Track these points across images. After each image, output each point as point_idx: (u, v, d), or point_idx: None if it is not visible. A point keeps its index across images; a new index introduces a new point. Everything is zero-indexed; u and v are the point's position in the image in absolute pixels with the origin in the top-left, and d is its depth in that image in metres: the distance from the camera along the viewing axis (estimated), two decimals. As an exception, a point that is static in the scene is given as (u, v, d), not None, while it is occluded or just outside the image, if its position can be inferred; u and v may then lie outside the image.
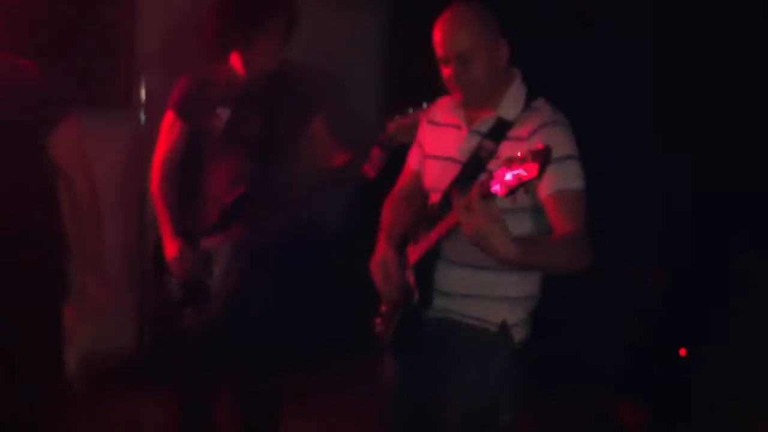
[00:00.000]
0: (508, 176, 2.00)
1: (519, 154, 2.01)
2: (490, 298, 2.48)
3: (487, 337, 2.47)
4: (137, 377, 4.31)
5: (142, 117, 4.51)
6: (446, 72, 2.43)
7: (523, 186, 1.99)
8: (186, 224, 3.21)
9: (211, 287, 3.17)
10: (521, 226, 2.36)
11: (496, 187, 2.03)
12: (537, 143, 2.02)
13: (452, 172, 2.48)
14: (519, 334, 2.51)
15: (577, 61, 3.86)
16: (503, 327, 2.47)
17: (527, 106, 2.43)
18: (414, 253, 2.56)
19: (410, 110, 2.82)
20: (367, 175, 2.96)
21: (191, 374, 3.30)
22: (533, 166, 1.96)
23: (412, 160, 2.74)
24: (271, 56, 3.10)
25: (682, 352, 3.82)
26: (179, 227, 3.19)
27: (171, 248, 3.17)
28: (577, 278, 2.30)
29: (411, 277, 2.55)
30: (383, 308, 2.69)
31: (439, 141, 2.58)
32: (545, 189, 2.30)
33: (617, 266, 3.78)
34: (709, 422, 3.54)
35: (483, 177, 2.14)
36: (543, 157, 1.96)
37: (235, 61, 3.16)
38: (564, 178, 2.29)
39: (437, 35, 2.42)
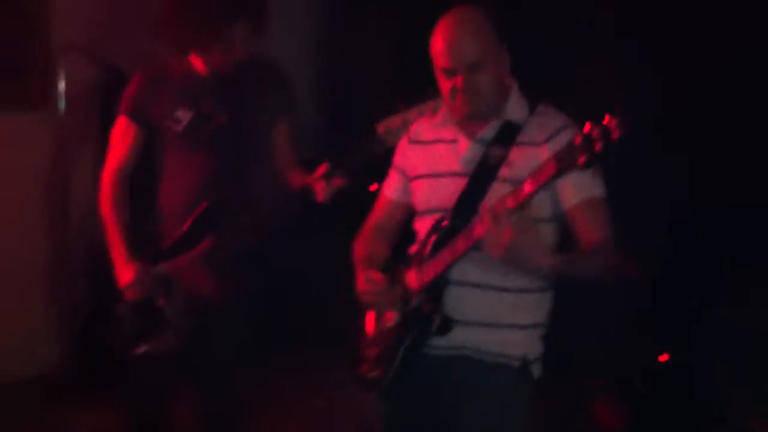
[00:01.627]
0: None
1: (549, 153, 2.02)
2: (507, 326, 2.32)
3: (508, 375, 2.30)
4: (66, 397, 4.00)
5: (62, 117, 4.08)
6: (449, 83, 2.30)
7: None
8: (142, 243, 2.87)
9: (170, 316, 2.83)
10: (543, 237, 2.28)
11: (523, 195, 2.02)
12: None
13: (456, 187, 2.33)
14: (537, 371, 2.36)
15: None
16: (524, 362, 2.32)
17: (532, 111, 2.36)
18: (420, 278, 2.34)
19: (401, 109, 2.56)
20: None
21: (144, 399, 3.00)
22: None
23: (390, 190, 2.57)
24: (235, 53, 2.82)
25: (663, 357, 3.69)
26: (134, 248, 2.84)
27: (126, 272, 2.81)
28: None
29: (424, 304, 2.31)
30: (370, 351, 2.44)
31: (430, 159, 2.44)
32: (570, 198, 2.25)
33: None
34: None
35: (509, 189, 2.09)
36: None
37: (194, 57, 2.88)
38: (590, 186, 2.24)
39: (440, 44, 2.29)
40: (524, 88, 2.40)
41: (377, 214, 2.60)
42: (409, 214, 2.52)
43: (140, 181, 2.91)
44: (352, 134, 2.73)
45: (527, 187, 2.03)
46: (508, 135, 2.31)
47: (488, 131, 2.34)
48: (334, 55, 4.62)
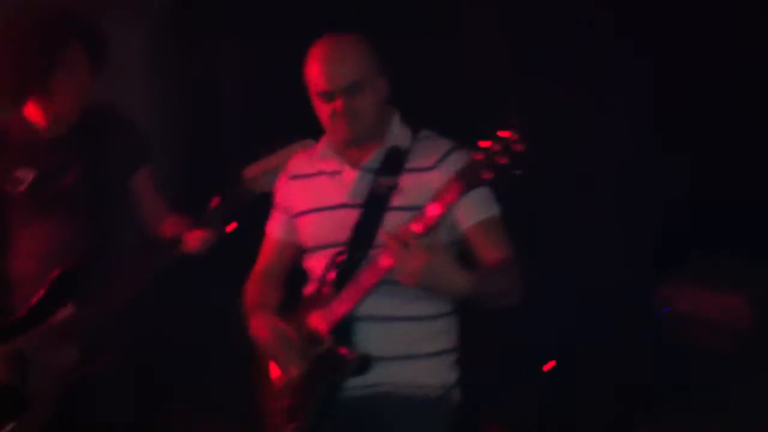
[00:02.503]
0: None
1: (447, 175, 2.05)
2: (421, 356, 2.28)
3: (428, 406, 2.26)
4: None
5: None
6: (328, 108, 2.26)
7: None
8: None
9: (30, 395, 2.59)
10: None
11: (431, 219, 2.03)
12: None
13: (347, 219, 2.28)
14: (456, 397, 2.34)
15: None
16: (443, 390, 2.29)
17: (415, 136, 2.35)
18: (327, 319, 2.23)
19: (270, 152, 2.48)
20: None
21: None
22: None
23: (275, 230, 2.49)
24: (74, 96, 2.65)
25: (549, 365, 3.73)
26: None
27: None
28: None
29: (337, 345, 2.22)
30: (280, 403, 2.31)
31: (314, 193, 2.37)
32: (467, 220, 2.24)
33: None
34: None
35: (405, 217, 2.11)
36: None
37: (32, 110, 2.70)
38: (484, 207, 2.25)
39: (318, 68, 2.25)
40: (404, 117, 2.38)
41: (265, 258, 2.50)
42: (298, 253, 2.44)
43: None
44: (221, 182, 2.60)
45: (434, 210, 2.03)
46: (395, 162, 2.28)
47: (374, 159, 2.30)
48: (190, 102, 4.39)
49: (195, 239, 2.55)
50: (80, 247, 2.63)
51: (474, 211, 2.21)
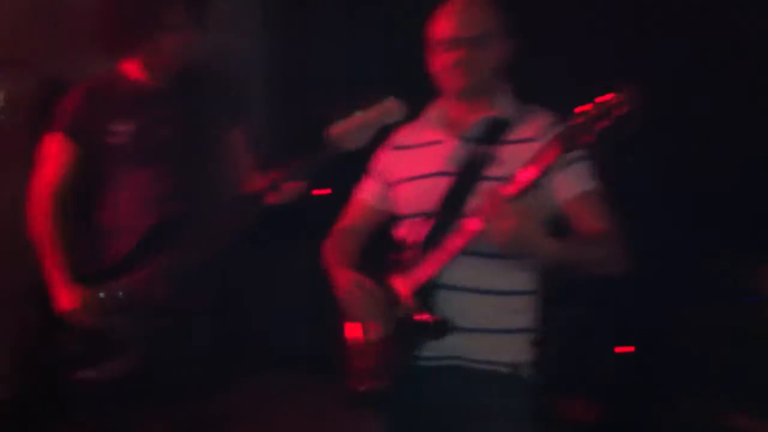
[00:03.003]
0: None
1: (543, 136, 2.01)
2: (499, 331, 2.25)
3: (499, 384, 2.24)
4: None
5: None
6: (449, 57, 2.25)
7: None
8: (83, 265, 2.68)
9: (121, 339, 2.66)
10: None
11: (524, 181, 1.98)
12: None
13: (444, 186, 2.25)
14: (530, 375, 2.30)
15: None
16: (514, 368, 2.26)
17: (521, 107, 2.32)
18: (410, 283, 2.23)
19: (356, 112, 2.46)
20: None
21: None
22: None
23: (367, 195, 2.50)
24: (177, 55, 2.69)
25: (627, 349, 3.70)
26: (76, 270, 2.66)
27: (68, 297, 2.63)
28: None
29: (418, 309, 2.21)
30: (359, 363, 2.32)
31: (414, 162, 2.37)
32: (566, 192, 2.20)
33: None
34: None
35: (504, 180, 2.05)
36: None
37: (133, 65, 2.75)
38: (586, 179, 2.21)
39: (450, 14, 2.27)
40: (514, 88, 2.35)
41: (351, 218, 2.51)
42: (383, 223, 2.44)
43: (83, 202, 2.75)
44: (309, 139, 2.60)
45: (528, 173, 1.99)
46: (497, 132, 2.25)
47: (476, 127, 2.28)
48: (288, 60, 4.44)
49: (281, 191, 2.56)
50: (175, 199, 2.68)
51: (574, 183, 2.18)
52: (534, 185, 2.01)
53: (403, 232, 2.34)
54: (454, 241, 2.13)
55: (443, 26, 2.25)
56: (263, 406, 3.94)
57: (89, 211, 2.75)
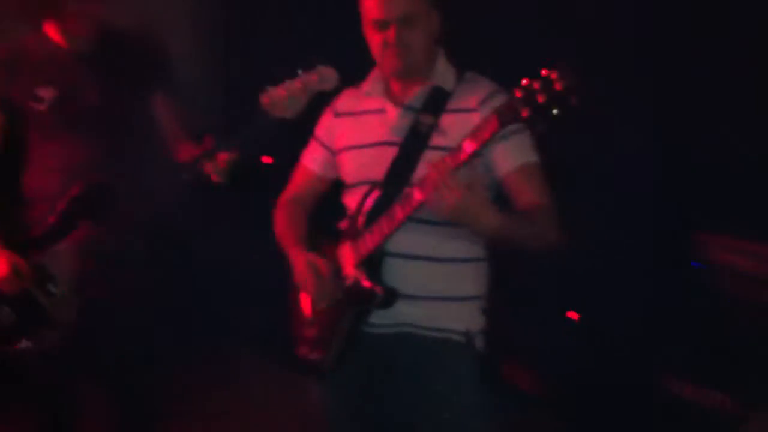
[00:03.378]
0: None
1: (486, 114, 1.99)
2: (450, 299, 2.26)
3: (452, 351, 2.24)
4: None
5: None
6: (379, 37, 2.26)
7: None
8: (9, 233, 2.63)
9: (49, 308, 2.63)
10: None
11: (466, 154, 1.98)
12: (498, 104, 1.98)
13: (387, 157, 2.26)
14: (480, 344, 2.31)
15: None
16: (467, 336, 2.26)
17: (460, 77, 2.32)
18: (357, 252, 2.24)
19: (287, 79, 2.41)
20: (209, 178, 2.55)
21: (44, 401, 2.81)
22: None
23: (312, 162, 2.49)
24: (86, 21, 2.66)
25: (573, 315, 3.70)
26: (3, 237, 2.61)
27: None
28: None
29: (364, 277, 2.21)
30: (308, 331, 2.34)
31: (358, 130, 2.37)
32: (506, 165, 2.20)
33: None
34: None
35: (447, 150, 2.05)
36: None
37: (50, 29, 2.69)
38: (523, 152, 2.21)
39: None
40: (450, 57, 2.35)
41: (296, 186, 2.51)
42: (329, 189, 2.45)
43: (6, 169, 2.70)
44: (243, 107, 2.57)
45: (468, 146, 1.99)
46: (438, 102, 2.26)
47: (417, 98, 2.29)
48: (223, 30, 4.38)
49: (212, 166, 2.53)
50: (101, 166, 2.64)
51: (513, 155, 2.19)
52: (475, 156, 2.01)
53: (350, 200, 2.33)
54: (400, 211, 2.13)
55: (371, 7, 2.25)
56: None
57: (15, 179, 2.70)
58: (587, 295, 3.60)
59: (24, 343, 2.64)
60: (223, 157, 2.53)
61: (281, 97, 2.39)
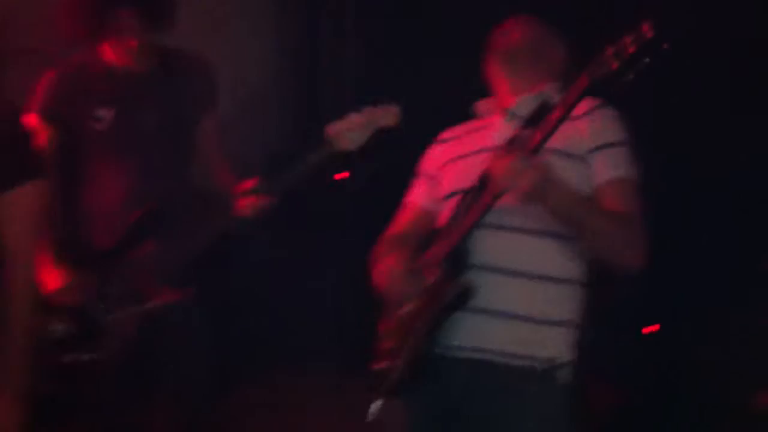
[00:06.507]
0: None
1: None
2: (540, 322, 2.14)
3: (532, 381, 2.12)
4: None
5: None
6: (497, 69, 2.35)
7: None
8: (67, 248, 2.68)
9: (105, 325, 2.65)
10: None
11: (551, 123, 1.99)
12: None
13: (483, 162, 2.17)
14: (566, 376, 2.18)
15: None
16: (550, 366, 2.14)
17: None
18: (443, 248, 2.17)
19: (353, 113, 2.49)
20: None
21: (92, 416, 2.75)
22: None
23: (417, 197, 2.42)
24: (129, 52, 2.71)
25: (651, 329, 3.61)
26: (60, 252, 2.65)
27: (55, 277, 2.63)
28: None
29: (440, 279, 2.14)
30: (387, 344, 2.25)
31: (460, 145, 2.36)
32: (602, 174, 2.16)
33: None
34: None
35: (524, 134, 2.06)
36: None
37: (109, 48, 2.75)
38: (624, 166, 2.17)
39: (503, 28, 2.36)
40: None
41: (402, 224, 2.41)
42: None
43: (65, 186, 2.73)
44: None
45: (555, 113, 1.98)
46: (542, 109, 2.17)
47: (521, 105, 2.26)
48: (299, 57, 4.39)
49: (249, 204, 2.55)
50: (158, 186, 2.68)
51: (610, 168, 2.14)
52: (560, 123, 1.99)
53: (444, 212, 2.27)
54: (482, 201, 2.09)
55: (498, 38, 2.33)
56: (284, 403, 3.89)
57: (73, 195, 2.74)
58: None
59: (78, 357, 2.66)
60: (262, 200, 2.54)
61: (346, 130, 2.45)
